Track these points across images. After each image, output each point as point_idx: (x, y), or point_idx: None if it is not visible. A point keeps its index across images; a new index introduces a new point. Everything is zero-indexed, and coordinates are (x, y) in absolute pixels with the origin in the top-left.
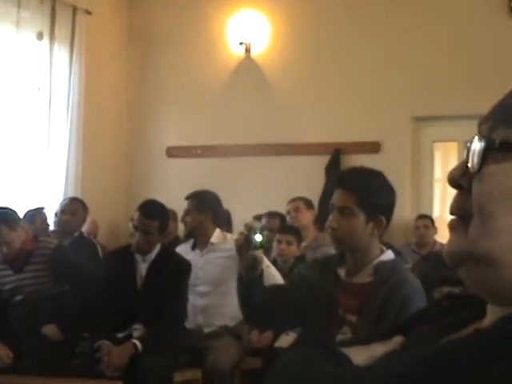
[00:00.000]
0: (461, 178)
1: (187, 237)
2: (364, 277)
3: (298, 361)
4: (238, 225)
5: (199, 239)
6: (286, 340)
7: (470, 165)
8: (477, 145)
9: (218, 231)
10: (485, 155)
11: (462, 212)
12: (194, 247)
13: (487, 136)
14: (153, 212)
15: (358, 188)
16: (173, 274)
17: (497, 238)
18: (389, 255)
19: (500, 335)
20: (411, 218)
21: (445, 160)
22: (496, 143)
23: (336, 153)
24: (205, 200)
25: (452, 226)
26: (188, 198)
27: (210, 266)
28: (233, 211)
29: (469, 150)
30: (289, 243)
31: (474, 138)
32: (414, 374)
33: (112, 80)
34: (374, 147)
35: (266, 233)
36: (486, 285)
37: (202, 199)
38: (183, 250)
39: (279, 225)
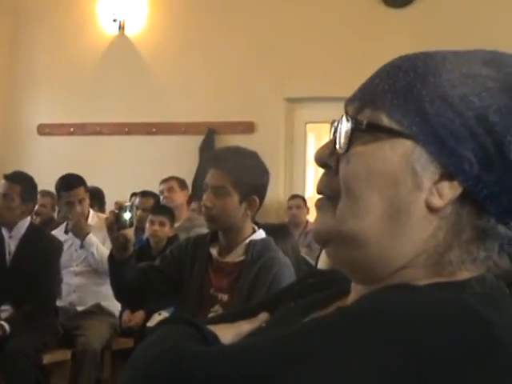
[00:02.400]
0: (328, 158)
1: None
2: (236, 256)
3: (163, 338)
4: (111, 204)
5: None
6: (158, 320)
7: (337, 145)
8: (344, 125)
9: (92, 212)
10: (352, 136)
11: (329, 191)
12: (66, 231)
13: (354, 117)
14: (15, 177)
15: (232, 168)
16: (44, 253)
17: (363, 218)
18: (260, 234)
19: (355, 312)
20: (284, 198)
21: (318, 141)
22: (363, 124)
23: (210, 133)
24: (86, 185)
25: (319, 205)
26: (74, 186)
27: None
28: (106, 190)
29: (336, 130)
30: (162, 224)
31: (341, 118)
32: (268, 355)
33: None
34: (248, 127)
35: (135, 211)
36: (352, 264)
37: (84, 184)
38: (57, 234)
39: (152, 204)
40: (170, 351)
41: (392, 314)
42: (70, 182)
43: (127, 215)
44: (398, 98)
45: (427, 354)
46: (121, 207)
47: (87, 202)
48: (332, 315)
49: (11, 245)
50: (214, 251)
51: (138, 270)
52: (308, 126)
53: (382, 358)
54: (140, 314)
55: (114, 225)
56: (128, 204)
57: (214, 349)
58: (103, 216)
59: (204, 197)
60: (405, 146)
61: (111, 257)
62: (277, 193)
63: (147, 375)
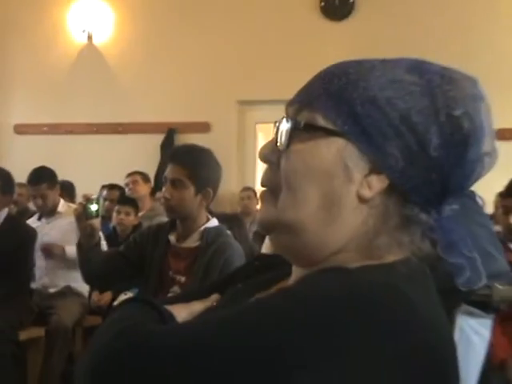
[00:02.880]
0: (271, 155)
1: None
2: (192, 241)
3: (124, 316)
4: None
5: (49, 212)
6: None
7: (278, 143)
8: (284, 125)
9: (62, 201)
10: (291, 135)
11: (271, 184)
12: (40, 218)
13: (293, 118)
14: None
15: (189, 163)
16: (19, 241)
17: (301, 208)
18: (213, 222)
19: (295, 293)
20: (236, 190)
21: (266, 140)
22: (301, 124)
23: (170, 132)
24: (54, 176)
25: (263, 197)
26: (37, 183)
27: (55, 231)
28: (77, 183)
29: (278, 129)
30: (127, 213)
31: (281, 119)
32: (218, 331)
33: None
34: (204, 127)
35: (102, 203)
36: (292, 249)
37: (52, 176)
38: (31, 222)
39: (119, 196)
40: (131, 328)
41: (325, 295)
42: (35, 177)
43: (94, 207)
44: (332, 101)
45: (358, 328)
46: (88, 199)
47: (53, 195)
48: (274, 296)
49: None
50: (172, 238)
51: (103, 256)
52: (258, 126)
53: (316, 332)
54: (108, 295)
55: (82, 215)
56: (94, 197)
57: (169, 326)
58: (73, 205)
59: (163, 189)
60: (338, 143)
61: (79, 244)
62: (230, 186)
63: (109, 350)
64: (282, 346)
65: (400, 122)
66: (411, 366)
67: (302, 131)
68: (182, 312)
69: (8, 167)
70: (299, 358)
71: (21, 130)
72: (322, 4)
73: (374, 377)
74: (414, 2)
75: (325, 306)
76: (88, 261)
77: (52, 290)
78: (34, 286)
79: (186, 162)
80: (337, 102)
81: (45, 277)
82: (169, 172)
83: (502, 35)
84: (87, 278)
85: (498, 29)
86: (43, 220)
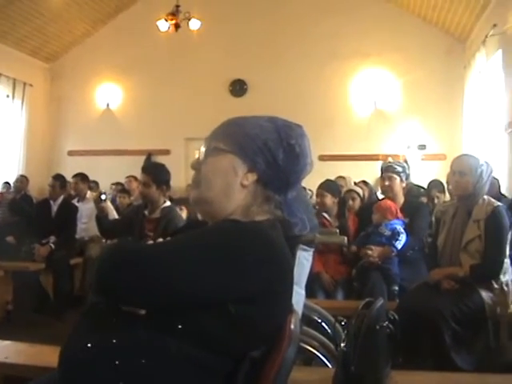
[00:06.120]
0: (197, 165)
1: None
2: (156, 214)
3: (118, 245)
4: (102, 188)
5: (82, 197)
6: None
7: (200, 158)
8: (203, 149)
9: (89, 192)
10: (207, 153)
11: (196, 180)
12: (78, 201)
13: (207, 145)
14: (57, 176)
15: (150, 172)
16: (69, 211)
17: (212, 191)
18: (167, 203)
19: (213, 227)
20: (184, 185)
21: None
22: (211, 148)
23: (149, 154)
24: (86, 177)
25: (192, 186)
26: (76, 176)
27: (86, 208)
28: (100, 182)
29: (200, 151)
30: (124, 198)
31: (202, 146)
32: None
33: (41, 120)
34: (167, 152)
35: (108, 194)
36: (207, 213)
37: (82, 179)
38: (74, 202)
39: (120, 188)
40: (123, 246)
41: (226, 230)
42: (75, 174)
43: (103, 196)
44: (227, 135)
45: (243, 244)
46: (100, 193)
47: (86, 186)
48: (198, 231)
49: (54, 208)
50: (146, 212)
51: (109, 222)
52: (195, 151)
53: (222, 252)
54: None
55: (97, 201)
56: (103, 191)
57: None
58: (95, 194)
59: (140, 188)
60: (230, 157)
61: (97, 216)
62: (180, 183)
63: (111, 257)
64: (199, 247)
65: (262, 145)
66: (270, 267)
67: (212, 151)
68: None
69: (64, 174)
70: (213, 253)
71: (71, 153)
72: (230, 88)
73: (250, 269)
74: (283, 85)
75: (226, 235)
76: (101, 224)
77: (86, 238)
78: (77, 236)
79: (149, 172)
80: (231, 136)
81: (82, 231)
82: (141, 178)
83: (323, 99)
84: (101, 233)
85: (319, 95)
86: (79, 202)
